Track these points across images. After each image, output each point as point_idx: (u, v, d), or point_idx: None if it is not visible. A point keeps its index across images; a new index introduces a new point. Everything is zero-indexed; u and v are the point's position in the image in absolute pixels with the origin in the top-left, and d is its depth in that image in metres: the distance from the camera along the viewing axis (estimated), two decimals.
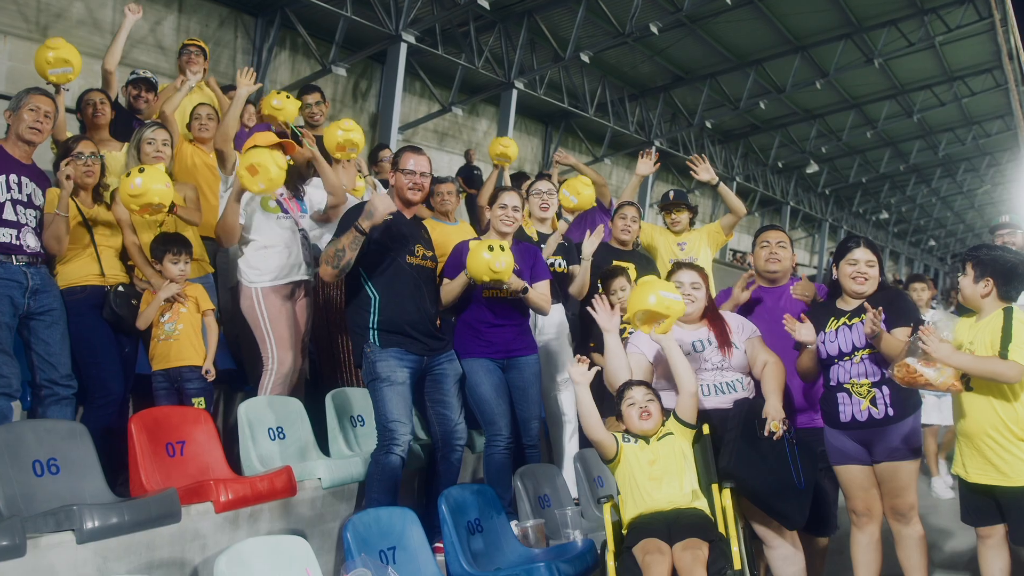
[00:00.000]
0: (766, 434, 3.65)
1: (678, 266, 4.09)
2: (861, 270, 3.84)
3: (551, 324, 5.22)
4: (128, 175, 4.24)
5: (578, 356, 3.75)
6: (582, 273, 5.29)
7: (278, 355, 4.64)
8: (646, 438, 3.62)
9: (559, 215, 5.96)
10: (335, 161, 4.95)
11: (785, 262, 4.42)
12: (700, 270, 4.07)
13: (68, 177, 4.15)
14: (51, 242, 4.17)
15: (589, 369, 3.65)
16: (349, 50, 13.71)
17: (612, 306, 3.92)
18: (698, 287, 3.96)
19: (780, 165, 25.34)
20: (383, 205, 4.09)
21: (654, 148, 6.40)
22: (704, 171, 5.90)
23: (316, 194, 5.01)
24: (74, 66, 4.96)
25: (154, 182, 4.22)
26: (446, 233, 5.42)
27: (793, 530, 3.73)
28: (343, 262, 4.13)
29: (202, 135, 5.59)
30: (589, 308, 3.97)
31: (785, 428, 3.69)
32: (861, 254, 3.86)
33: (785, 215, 28.06)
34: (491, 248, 4.24)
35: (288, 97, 5.85)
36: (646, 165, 6.46)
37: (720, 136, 22.95)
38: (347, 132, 4.77)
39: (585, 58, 15.13)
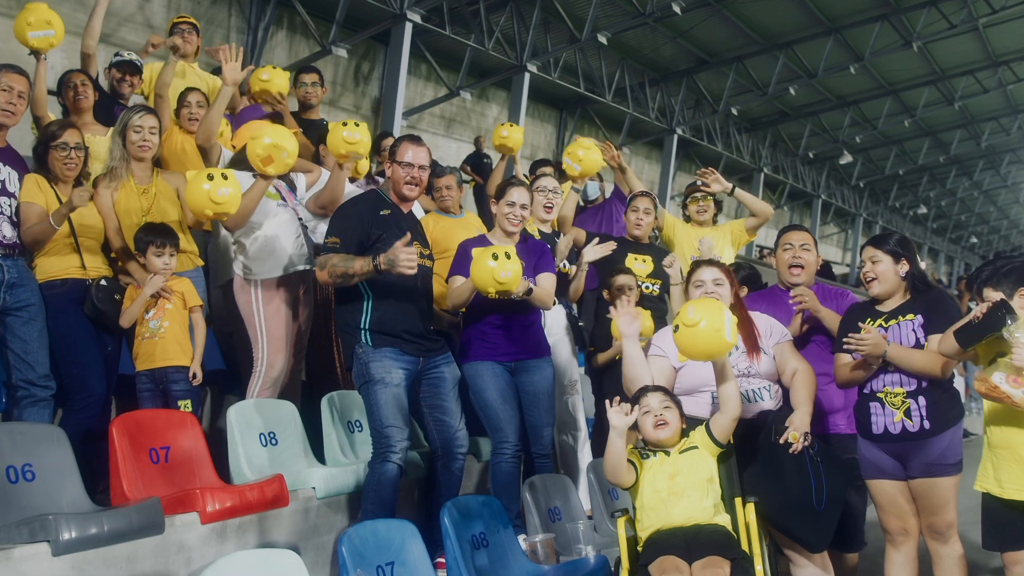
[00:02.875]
0: (782, 441, 3.60)
1: (697, 264, 4.05)
2: (866, 269, 3.89)
3: (555, 324, 5.19)
4: (211, 178, 4.15)
5: (617, 399, 3.60)
6: (577, 278, 5.23)
7: (268, 357, 4.63)
8: (666, 450, 3.57)
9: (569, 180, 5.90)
10: (340, 165, 4.93)
11: (810, 267, 4.41)
12: (722, 266, 4.03)
13: (82, 197, 4.12)
14: (30, 242, 4.17)
15: (628, 414, 3.52)
16: (351, 30, 13.71)
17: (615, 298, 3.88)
18: (721, 283, 3.93)
19: (811, 155, 25.25)
20: (407, 261, 4.00)
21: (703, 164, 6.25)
22: (715, 182, 5.86)
23: (300, 179, 5.03)
24: (56, 29, 4.92)
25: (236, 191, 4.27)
26: (450, 227, 5.38)
27: (815, 553, 3.69)
28: (344, 283, 4.16)
29: (191, 126, 5.58)
30: (611, 308, 3.93)
31: (807, 443, 3.64)
32: (864, 253, 3.93)
33: (816, 209, 27.96)
34: (495, 256, 4.12)
35: (275, 68, 5.89)
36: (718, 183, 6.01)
37: (747, 124, 22.88)
38: (352, 145, 4.68)
39: (603, 39, 15.08)
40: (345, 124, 4.68)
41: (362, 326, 4.23)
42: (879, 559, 3.98)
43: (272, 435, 4.43)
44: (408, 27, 13.18)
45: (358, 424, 4.86)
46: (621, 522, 3.60)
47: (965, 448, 3.80)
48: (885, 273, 3.84)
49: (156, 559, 3.41)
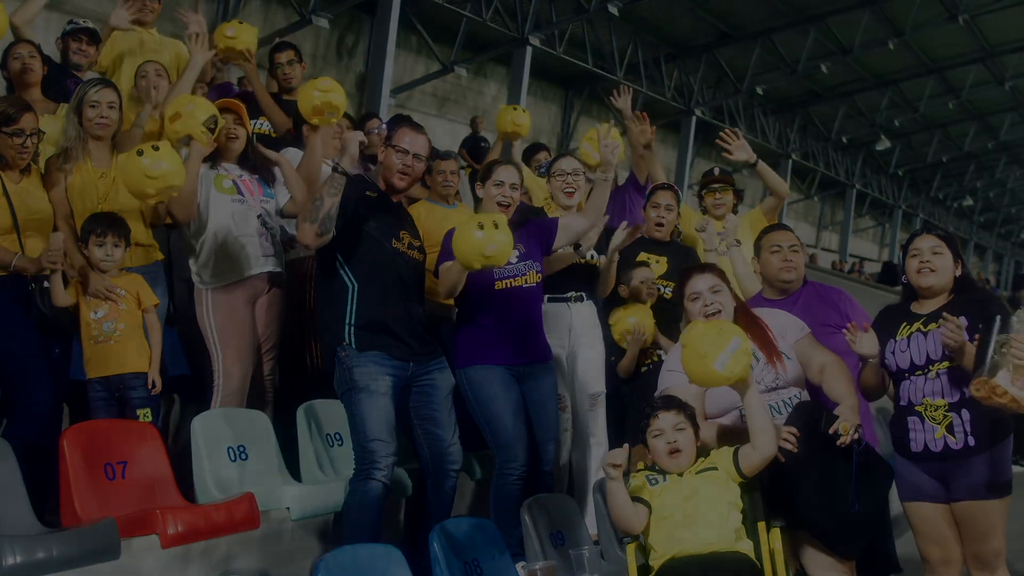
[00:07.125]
0: (831, 432, 3.53)
1: (688, 273, 3.97)
2: (925, 259, 3.82)
3: (584, 325, 5.10)
4: (141, 153, 4.19)
5: (626, 446, 3.57)
6: (606, 271, 5.18)
7: (224, 369, 4.62)
8: (680, 472, 3.55)
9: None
10: (313, 128, 4.93)
11: (800, 268, 4.52)
12: (714, 269, 3.99)
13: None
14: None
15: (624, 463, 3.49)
16: None
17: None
18: (719, 290, 3.85)
19: (845, 141, 25.29)
20: (355, 135, 4.20)
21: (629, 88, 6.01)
22: (739, 149, 5.84)
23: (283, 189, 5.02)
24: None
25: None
26: (444, 218, 5.34)
27: (850, 560, 3.64)
28: (323, 212, 4.06)
29: (149, 97, 5.53)
30: None
31: (855, 438, 3.58)
32: (923, 242, 3.86)
33: (850, 200, 27.99)
34: (481, 226, 4.01)
35: (241, 23, 5.90)
36: (624, 101, 6.29)
37: (774, 105, 22.89)
38: (325, 93, 4.72)
39: (614, 10, 15.09)
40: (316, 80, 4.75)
41: (347, 321, 4.21)
42: None
43: (242, 449, 4.41)
44: None
45: (338, 437, 4.84)
46: (631, 549, 3.57)
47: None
48: (946, 268, 3.82)
49: None
